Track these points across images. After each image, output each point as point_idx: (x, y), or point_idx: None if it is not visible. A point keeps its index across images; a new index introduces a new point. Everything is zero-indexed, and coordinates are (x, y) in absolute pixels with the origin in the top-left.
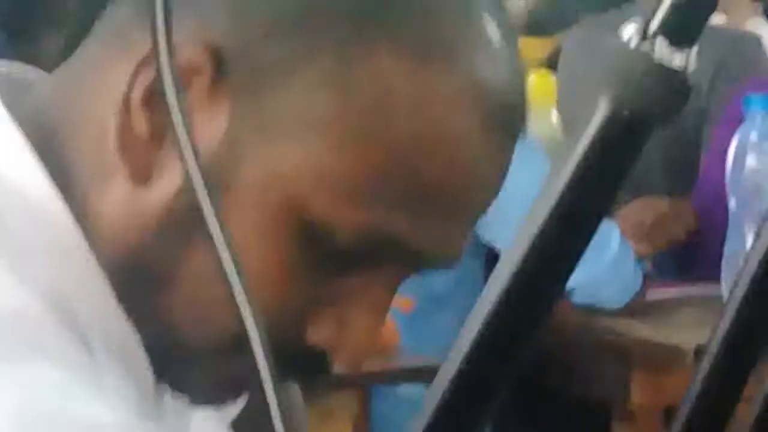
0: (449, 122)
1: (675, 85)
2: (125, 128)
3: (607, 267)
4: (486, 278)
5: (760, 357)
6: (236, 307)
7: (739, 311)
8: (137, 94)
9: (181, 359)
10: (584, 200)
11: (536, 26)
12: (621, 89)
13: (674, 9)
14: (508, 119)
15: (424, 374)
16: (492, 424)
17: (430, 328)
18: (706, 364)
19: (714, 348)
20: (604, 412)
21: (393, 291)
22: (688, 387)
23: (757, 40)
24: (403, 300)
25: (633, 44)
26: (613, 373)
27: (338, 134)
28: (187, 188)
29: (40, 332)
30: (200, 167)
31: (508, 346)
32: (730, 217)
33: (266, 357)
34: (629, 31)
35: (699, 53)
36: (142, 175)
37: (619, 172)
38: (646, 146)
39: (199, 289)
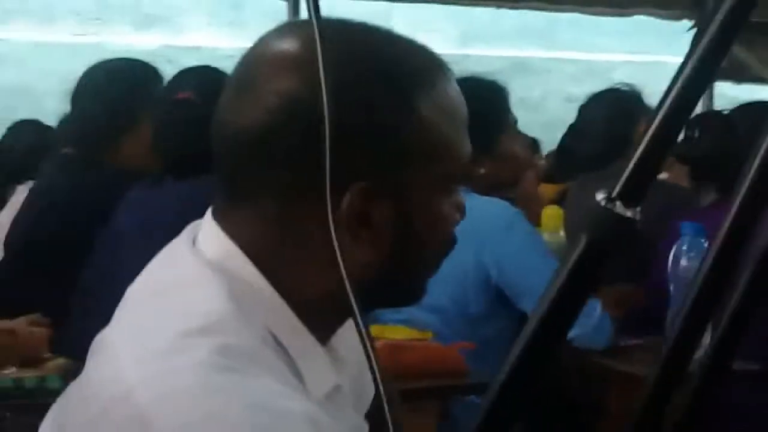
0: None
1: (627, 228)
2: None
3: (593, 326)
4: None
5: (680, 382)
6: None
7: (667, 356)
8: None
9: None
10: (577, 288)
11: (548, 177)
12: (594, 232)
13: (626, 184)
14: None
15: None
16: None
17: (485, 360)
18: (648, 387)
19: (652, 377)
20: (592, 415)
21: None
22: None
23: (686, 190)
24: (468, 344)
25: (603, 203)
26: (598, 389)
27: None
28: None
29: (265, 360)
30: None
31: (534, 370)
32: (671, 296)
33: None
34: (601, 194)
35: (648, 200)
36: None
37: (595, 274)
38: (614, 257)
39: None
